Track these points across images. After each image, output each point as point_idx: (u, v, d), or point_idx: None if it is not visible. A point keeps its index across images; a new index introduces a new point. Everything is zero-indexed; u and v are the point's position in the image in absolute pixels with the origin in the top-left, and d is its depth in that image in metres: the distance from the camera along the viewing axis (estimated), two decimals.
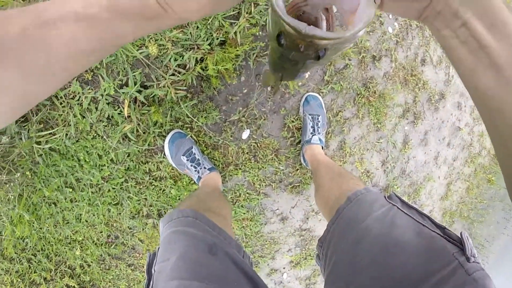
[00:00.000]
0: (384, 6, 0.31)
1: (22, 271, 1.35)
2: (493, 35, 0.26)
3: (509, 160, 0.29)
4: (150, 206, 1.23)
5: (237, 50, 1.00)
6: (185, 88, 1.00)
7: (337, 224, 0.66)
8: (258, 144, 1.21)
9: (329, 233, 0.67)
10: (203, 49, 0.95)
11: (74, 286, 1.41)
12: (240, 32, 0.97)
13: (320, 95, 1.20)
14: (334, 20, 0.33)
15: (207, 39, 0.95)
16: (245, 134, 1.18)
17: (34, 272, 1.36)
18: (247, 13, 0.98)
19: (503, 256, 3.06)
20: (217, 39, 0.96)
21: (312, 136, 1.17)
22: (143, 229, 1.29)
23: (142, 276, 1.47)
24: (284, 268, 1.64)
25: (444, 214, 1.96)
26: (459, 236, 0.49)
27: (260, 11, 0.98)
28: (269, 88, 1.15)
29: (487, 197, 2.27)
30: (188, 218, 0.63)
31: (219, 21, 0.94)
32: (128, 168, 1.11)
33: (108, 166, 1.08)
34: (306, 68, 0.38)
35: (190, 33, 0.93)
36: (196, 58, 0.96)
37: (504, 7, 0.26)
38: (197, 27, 0.93)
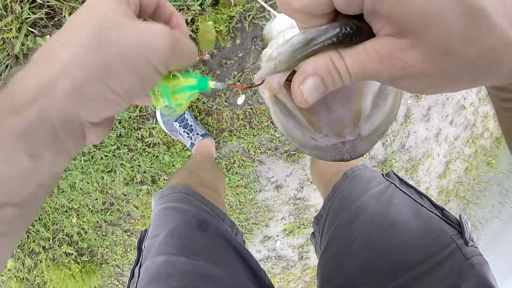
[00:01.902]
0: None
1: (21, 241, 1.36)
2: None
3: None
4: (144, 172, 1.23)
5: (231, 11, 0.95)
6: None
7: (333, 201, 0.65)
8: (254, 110, 1.19)
9: (326, 210, 0.66)
10: (194, 10, 0.90)
11: (72, 253, 1.44)
12: None
13: None
14: None
15: (197, 0, 0.89)
16: (240, 100, 1.15)
17: (33, 242, 1.37)
18: None
19: (495, 240, 3.11)
20: None
21: None
22: (137, 196, 1.29)
23: None
24: (277, 235, 1.68)
25: (440, 193, 1.99)
26: (458, 218, 0.47)
27: None
28: None
29: (485, 179, 2.29)
30: (179, 194, 0.62)
31: None
32: (120, 135, 1.09)
33: None
34: None
35: None
36: (187, 19, 0.91)
37: None
38: None
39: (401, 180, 0.60)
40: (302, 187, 1.50)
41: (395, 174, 0.62)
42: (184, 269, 0.46)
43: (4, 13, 0.77)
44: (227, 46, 1.04)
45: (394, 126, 1.48)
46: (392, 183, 0.58)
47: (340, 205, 0.62)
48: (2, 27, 0.78)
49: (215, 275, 0.47)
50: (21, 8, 0.77)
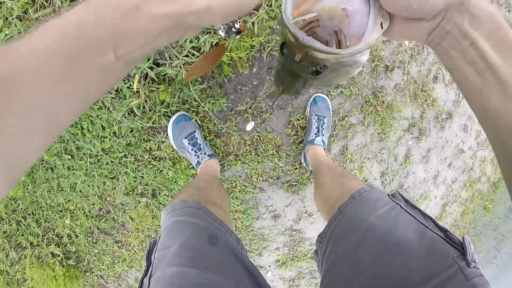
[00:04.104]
0: (392, 31, 0.31)
1: (10, 232, 1.35)
2: (500, 54, 0.26)
3: None
4: (146, 185, 1.23)
5: (253, 41, 1.00)
6: None
7: (338, 221, 0.66)
8: (261, 137, 1.21)
9: (330, 229, 0.67)
10: (220, 35, 0.95)
11: (59, 255, 1.42)
12: (258, 23, 0.97)
13: (328, 97, 1.21)
14: (345, 45, 0.34)
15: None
16: (249, 126, 1.18)
17: (22, 235, 1.36)
18: (267, 5, 0.98)
19: (491, 286, 3.04)
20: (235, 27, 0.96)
21: (315, 137, 1.17)
22: (135, 207, 1.29)
23: (128, 254, 1.47)
24: (269, 266, 1.64)
25: None
26: (461, 240, 0.48)
27: (280, 5, 0.98)
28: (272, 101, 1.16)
29: (481, 224, 2.27)
30: (191, 209, 0.64)
31: None
32: (129, 143, 1.11)
33: (110, 139, 1.08)
34: (307, 85, 0.39)
35: None
36: (212, 42, 0.96)
37: (509, 28, 0.26)
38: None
39: (406, 201, 0.61)
40: (300, 219, 1.48)
41: (400, 195, 0.63)
42: (196, 281, 0.47)
43: (46, 3, 0.82)
44: (244, 73, 1.09)
45: (394, 165, 1.49)
46: (398, 204, 0.60)
47: (346, 225, 0.63)
48: (40, 16, 0.83)
49: None
50: (62, 2, 0.82)
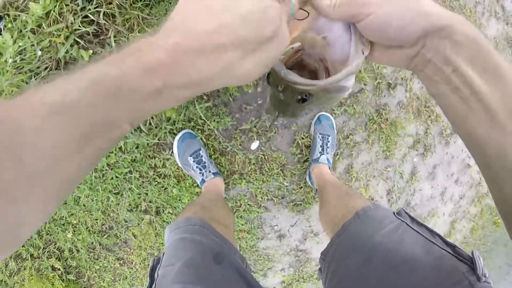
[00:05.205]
0: (373, 56, 0.31)
1: None
2: (484, 80, 0.26)
3: (506, 206, 0.28)
4: (150, 202, 1.23)
5: None
6: None
7: (342, 238, 0.65)
8: (266, 156, 1.21)
9: (333, 247, 0.66)
10: None
11: (59, 269, 1.40)
12: None
13: (332, 115, 1.21)
14: (333, 71, 0.34)
15: None
16: (254, 145, 1.18)
17: (22, 246, 1.35)
18: None
19: None
20: None
21: (320, 156, 1.16)
22: (138, 224, 1.28)
23: (129, 272, 1.44)
24: (274, 287, 1.59)
25: None
26: (470, 255, 0.47)
27: None
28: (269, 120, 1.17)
29: (491, 240, 2.20)
30: (196, 227, 0.64)
31: None
32: (134, 159, 1.12)
33: (115, 154, 1.09)
34: (299, 109, 0.40)
35: None
36: None
37: (494, 51, 0.26)
38: None
39: (412, 218, 0.60)
40: (305, 239, 1.45)
41: (406, 212, 0.62)
42: None
43: (59, 18, 0.85)
44: (249, 91, 1.11)
45: (400, 183, 1.47)
46: (404, 221, 0.58)
47: (350, 243, 0.62)
48: (53, 31, 0.86)
49: None
50: (74, 19, 0.85)
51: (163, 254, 0.58)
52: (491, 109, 0.25)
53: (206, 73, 0.24)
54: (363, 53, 0.30)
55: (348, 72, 0.29)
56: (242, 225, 1.32)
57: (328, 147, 1.17)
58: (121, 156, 1.10)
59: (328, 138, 1.17)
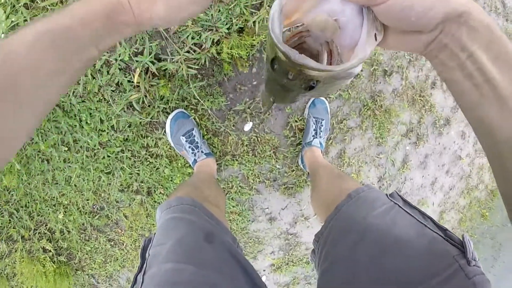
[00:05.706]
0: (387, 43, 0.31)
1: (1, 224, 1.33)
2: (498, 68, 0.26)
3: None
4: (141, 182, 1.22)
5: (254, 40, 1.01)
6: (197, 67, 1.01)
7: (335, 220, 0.65)
8: (259, 138, 1.21)
9: (327, 229, 0.66)
10: (221, 32, 0.97)
11: (50, 250, 1.39)
12: (259, 22, 0.98)
13: (327, 100, 1.21)
14: (337, 55, 0.33)
15: (226, 23, 0.96)
16: (247, 126, 1.18)
17: (13, 228, 1.34)
18: (268, 5, 0.99)
19: None
20: (236, 25, 0.97)
21: (313, 139, 1.17)
22: (129, 205, 1.28)
23: (120, 253, 1.44)
24: (264, 270, 1.61)
25: None
26: (461, 238, 0.48)
27: None
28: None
29: (478, 232, 2.25)
30: (187, 206, 0.63)
31: (240, 8, 0.96)
32: (126, 138, 1.11)
33: (107, 132, 1.08)
34: (300, 97, 0.38)
35: (212, 14, 0.94)
36: (213, 39, 0.97)
37: (507, 39, 0.26)
38: (219, 10, 0.95)
39: (404, 201, 0.60)
40: (296, 223, 1.47)
41: (398, 195, 0.62)
42: (191, 278, 0.46)
43: None
44: (244, 72, 1.10)
45: (391, 170, 1.48)
46: (396, 203, 0.59)
47: (344, 225, 0.62)
48: (47, 5, 0.83)
49: (221, 286, 0.48)
50: None
51: (155, 234, 0.58)
52: (504, 96, 0.26)
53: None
54: (375, 38, 0.28)
55: (363, 58, 0.27)
56: (233, 207, 1.32)
57: (321, 131, 1.17)
58: (113, 134, 1.09)
59: (321, 122, 1.17)
